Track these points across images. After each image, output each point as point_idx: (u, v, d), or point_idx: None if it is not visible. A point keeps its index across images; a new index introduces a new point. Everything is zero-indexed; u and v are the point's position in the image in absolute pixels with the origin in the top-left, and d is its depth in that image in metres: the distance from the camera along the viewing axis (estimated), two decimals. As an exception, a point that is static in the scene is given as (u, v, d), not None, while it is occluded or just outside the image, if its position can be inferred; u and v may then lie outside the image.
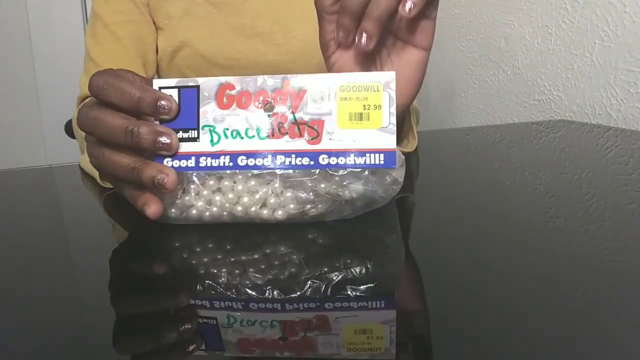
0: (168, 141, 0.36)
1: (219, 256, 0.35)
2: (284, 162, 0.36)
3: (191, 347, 0.25)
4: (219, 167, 0.37)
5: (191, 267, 0.34)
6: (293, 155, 0.36)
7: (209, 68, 0.76)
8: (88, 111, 0.37)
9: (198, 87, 0.38)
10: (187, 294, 0.31)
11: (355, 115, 0.36)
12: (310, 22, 0.80)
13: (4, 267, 0.36)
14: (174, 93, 0.37)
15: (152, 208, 0.37)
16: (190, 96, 0.38)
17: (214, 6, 0.75)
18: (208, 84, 0.38)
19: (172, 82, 0.38)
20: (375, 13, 0.40)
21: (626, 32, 0.80)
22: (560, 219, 0.40)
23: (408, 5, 0.39)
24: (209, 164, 0.37)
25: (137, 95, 0.36)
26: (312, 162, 0.36)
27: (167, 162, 0.37)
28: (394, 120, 0.36)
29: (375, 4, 0.39)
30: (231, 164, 0.37)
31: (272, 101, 0.37)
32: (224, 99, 0.37)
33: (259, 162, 0.37)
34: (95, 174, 0.50)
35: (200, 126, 0.37)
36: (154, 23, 0.75)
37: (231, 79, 0.38)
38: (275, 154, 0.37)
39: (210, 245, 0.37)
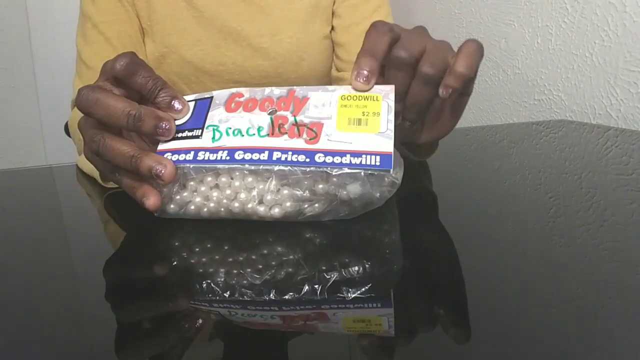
0: (168, 127, 0.38)
1: (217, 256, 0.35)
2: (280, 158, 0.37)
3: (190, 347, 0.25)
4: (216, 161, 0.37)
5: (190, 268, 0.34)
6: (290, 153, 0.37)
7: (196, 75, 0.75)
8: (89, 92, 0.37)
9: (212, 97, 0.41)
10: (186, 294, 0.31)
11: (354, 120, 0.37)
12: (297, 23, 0.79)
13: (3, 267, 0.36)
14: (191, 105, 0.40)
15: (152, 200, 0.37)
16: (203, 104, 0.40)
17: (197, 9, 0.73)
18: (221, 94, 0.41)
19: (190, 97, 0.41)
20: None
21: (626, 32, 0.80)
22: (560, 219, 0.40)
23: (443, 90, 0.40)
24: (207, 158, 0.37)
25: (136, 113, 0.37)
26: (308, 160, 0.36)
27: (167, 155, 0.37)
28: (391, 126, 0.37)
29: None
30: (228, 158, 0.37)
31: (277, 108, 0.39)
32: (232, 104, 0.40)
33: (256, 156, 0.37)
34: (96, 174, 0.50)
35: (205, 126, 0.39)
36: (140, 26, 0.74)
37: (241, 89, 0.41)
38: (272, 150, 0.37)
39: (209, 246, 0.37)
